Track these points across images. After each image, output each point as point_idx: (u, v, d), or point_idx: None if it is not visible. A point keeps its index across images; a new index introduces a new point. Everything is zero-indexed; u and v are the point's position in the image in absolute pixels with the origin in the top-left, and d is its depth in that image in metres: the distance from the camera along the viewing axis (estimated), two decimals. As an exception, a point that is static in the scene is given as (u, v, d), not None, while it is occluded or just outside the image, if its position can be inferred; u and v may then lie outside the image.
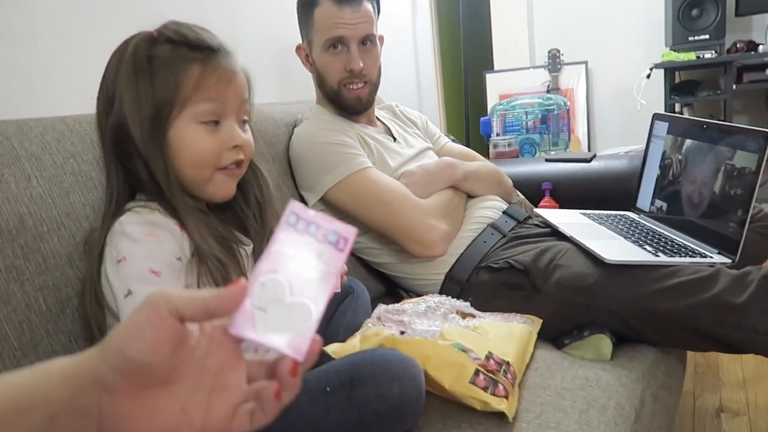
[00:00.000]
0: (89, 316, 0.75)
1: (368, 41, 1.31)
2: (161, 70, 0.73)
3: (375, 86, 1.37)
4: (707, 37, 2.74)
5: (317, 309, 0.41)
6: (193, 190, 0.78)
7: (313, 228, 0.43)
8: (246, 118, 0.81)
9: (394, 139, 1.42)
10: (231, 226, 0.86)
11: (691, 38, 2.76)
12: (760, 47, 2.74)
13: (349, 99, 1.33)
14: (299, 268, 0.41)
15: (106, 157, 0.78)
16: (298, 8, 1.34)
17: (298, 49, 1.38)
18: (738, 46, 2.78)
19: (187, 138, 0.75)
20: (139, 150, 0.74)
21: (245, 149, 0.79)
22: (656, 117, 1.33)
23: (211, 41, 0.76)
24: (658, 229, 1.23)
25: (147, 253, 0.70)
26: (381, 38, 1.35)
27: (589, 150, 3.19)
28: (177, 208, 0.74)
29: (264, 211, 0.86)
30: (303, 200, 1.31)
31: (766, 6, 2.78)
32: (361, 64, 1.29)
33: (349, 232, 0.43)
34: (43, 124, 0.90)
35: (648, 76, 2.88)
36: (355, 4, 1.27)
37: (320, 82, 1.35)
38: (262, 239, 0.85)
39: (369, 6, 1.30)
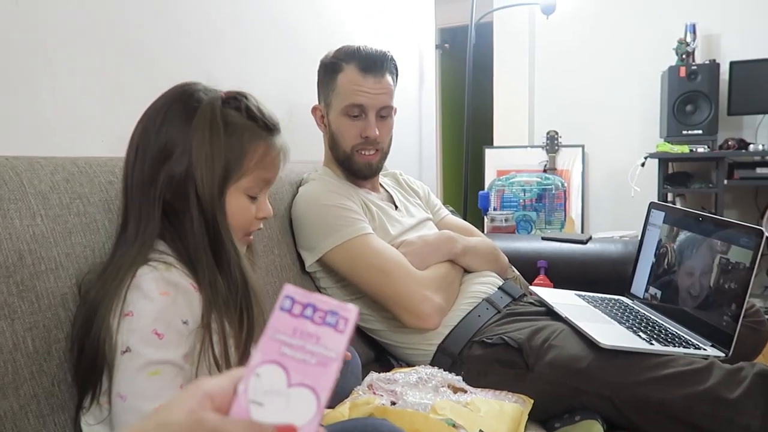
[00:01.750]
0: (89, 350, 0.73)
1: (385, 112, 1.35)
2: (234, 136, 0.77)
3: (385, 155, 1.40)
4: (700, 132, 2.84)
5: (319, 398, 0.37)
6: None
7: (309, 310, 0.41)
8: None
9: (396, 207, 1.44)
10: None
11: (684, 132, 2.86)
12: (751, 146, 2.84)
13: (359, 164, 1.35)
14: (297, 354, 0.39)
15: (143, 204, 0.77)
16: (320, 70, 1.39)
17: (314, 109, 1.42)
18: (729, 143, 2.88)
19: (237, 206, 0.80)
20: (201, 205, 0.76)
21: (269, 217, 0.86)
22: (653, 205, 1.36)
23: (273, 118, 0.82)
24: (652, 317, 1.24)
25: (156, 313, 0.70)
26: (395, 110, 1.39)
27: (582, 231, 3.23)
28: (231, 249, 0.77)
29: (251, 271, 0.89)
30: (300, 259, 1.31)
31: (755, 108, 2.91)
32: (377, 132, 1.32)
33: (350, 311, 0.40)
34: (53, 164, 0.90)
35: (642, 165, 2.97)
36: (379, 75, 1.31)
37: (332, 144, 1.38)
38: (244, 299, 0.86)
39: (390, 79, 1.35)
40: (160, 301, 0.70)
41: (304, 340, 0.39)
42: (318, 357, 0.39)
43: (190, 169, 0.76)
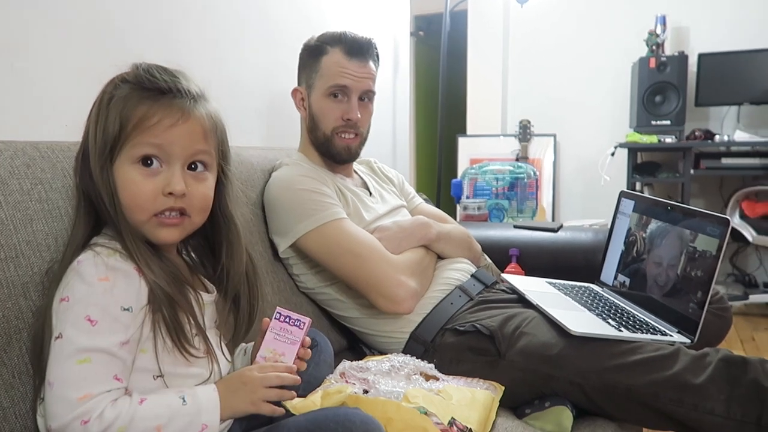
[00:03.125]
0: (41, 346, 0.71)
1: (367, 97, 1.36)
2: (114, 109, 0.72)
3: (364, 140, 1.40)
4: (668, 122, 2.89)
5: (287, 360, 0.80)
6: (138, 231, 0.75)
7: (288, 318, 0.81)
8: (201, 167, 0.77)
9: (370, 193, 1.43)
10: (196, 271, 0.85)
11: (653, 122, 2.91)
12: (716, 137, 2.90)
13: (338, 147, 1.35)
14: (280, 338, 0.81)
15: (76, 187, 0.77)
16: (302, 53, 1.38)
17: (294, 91, 1.40)
18: (696, 134, 2.94)
19: (124, 178, 0.73)
20: (95, 185, 0.73)
21: (189, 198, 0.75)
22: (623, 194, 1.38)
23: (164, 82, 0.73)
24: (621, 304, 1.26)
25: (91, 299, 0.68)
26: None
27: (553, 220, 3.27)
28: (129, 247, 0.71)
29: (231, 261, 0.85)
30: (273, 246, 1.30)
31: (721, 99, 2.97)
32: (359, 115, 1.32)
33: (307, 320, 0.81)
34: (13, 148, 0.87)
35: (612, 154, 3.01)
36: (363, 59, 1.33)
37: (312, 126, 1.36)
38: (229, 289, 0.84)
39: (373, 65, 1.36)
40: (97, 288, 0.68)
41: (284, 332, 0.81)
42: (290, 339, 0.81)
43: (87, 150, 0.74)
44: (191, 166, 0.76)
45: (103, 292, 0.68)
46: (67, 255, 0.73)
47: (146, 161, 0.73)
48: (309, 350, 0.84)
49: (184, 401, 0.70)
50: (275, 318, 0.80)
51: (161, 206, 0.74)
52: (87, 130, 0.75)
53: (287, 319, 0.80)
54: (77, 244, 0.74)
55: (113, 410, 0.66)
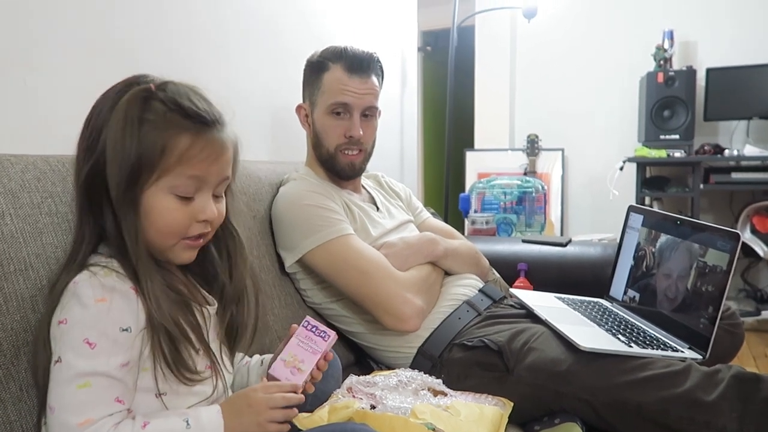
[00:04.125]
0: (37, 364, 0.71)
1: (370, 113, 1.35)
2: (151, 131, 0.70)
3: (368, 155, 1.39)
4: (677, 137, 2.88)
5: (305, 368, 0.80)
6: (154, 253, 0.75)
7: (314, 328, 0.83)
8: (223, 192, 0.79)
9: (378, 208, 1.43)
10: (196, 284, 0.84)
11: (662, 137, 2.90)
12: (726, 151, 2.89)
13: (342, 164, 1.34)
14: (303, 345, 0.82)
15: (79, 196, 0.75)
16: (306, 69, 1.38)
17: (299, 108, 1.40)
18: (705, 148, 2.93)
19: (160, 206, 0.72)
20: (111, 204, 0.71)
21: (214, 222, 0.77)
22: (632, 209, 1.37)
23: (206, 113, 0.73)
24: (630, 319, 1.24)
25: (89, 322, 0.67)
26: (379, 112, 1.39)
27: (561, 234, 3.26)
28: (138, 270, 0.70)
29: (235, 271, 0.85)
30: (280, 260, 1.30)
31: (731, 114, 2.96)
32: (361, 132, 1.32)
33: (332, 333, 0.83)
34: (24, 162, 0.88)
35: (621, 169, 3.00)
36: (365, 75, 1.32)
37: (316, 143, 1.37)
38: (229, 300, 0.83)
39: (376, 80, 1.35)
40: (94, 309, 0.67)
41: (309, 340, 0.82)
42: (312, 348, 0.81)
43: (102, 167, 0.70)
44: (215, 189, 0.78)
45: (100, 314, 0.67)
46: (64, 274, 0.72)
47: (187, 195, 0.74)
48: (326, 363, 0.84)
49: (188, 425, 0.69)
50: (302, 326, 0.82)
51: (194, 232, 0.75)
52: (101, 144, 0.71)
53: (314, 329, 0.81)
54: (78, 262, 0.72)
55: None
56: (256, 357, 0.93)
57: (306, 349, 0.81)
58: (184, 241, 0.75)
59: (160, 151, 0.70)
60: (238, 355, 0.92)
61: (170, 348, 0.71)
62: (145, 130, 0.70)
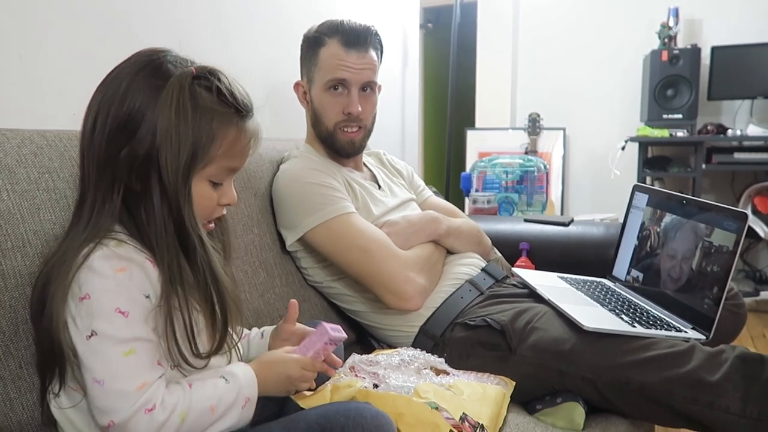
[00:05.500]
0: (45, 338, 0.70)
1: (369, 88, 1.31)
2: (203, 119, 0.70)
3: (368, 132, 1.36)
4: (680, 116, 2.85)
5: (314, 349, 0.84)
6: None
7: (328, 338, 0.85)
8: None
9: (379, 186, 1.42)
10: None
11: (665, 116, 2.87)
12: (729, 131, 2.86)
13: (342, 141, 1.32)
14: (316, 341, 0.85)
15: (100, 181, 0.71)
16: (302, 45, 1.34)
17: (296, 85, 1.38)
18: (708, 128, 2.90)
19: (199, 193, 0.73)
20: (165, 191, 0.70)
21: (233, 203, 0.80)
22: (637, 188, 1.36)
23: (249, 103, 0.75)
24: (634, 299, 1.24)
25: (115, 292, 0.66)
26: (379, 87, 1.36)
27: (562, 214, 3.25)
28: (196, 243, 0.71)
29: (228, 247, 0.85)
30: (281, 238, 1.28)
31: (734, 93, 2.93)
32: (360, 109, 1.29)
33: (339, 329, 0.86)
34: (21, 136, 0.86)
35: (623, 148, 2.98)
36: (362, 49, 1.28)
37: (315, 121, 1.34)
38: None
39: (374, 54, 1.31)
40: (116, 279, 0.67)
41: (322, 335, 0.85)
42: (321, 344, 0.84)
43: (153, 152, 0.69)
44: None
45: (124, 283, 0.67)
46: (71, 251, 0.69)
47: (219, 181, 0.76)
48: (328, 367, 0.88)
49: (227, 380, 0.72)
50: (320, 328, 0.85)
51: (216, 214, 0.79)
52: (148, 126, 0.69)
53: (328, 340, 0.84)
54: (90, 238, 0.69)
55: (171, 397, 0.67)
56: (255, 330, 0.94)
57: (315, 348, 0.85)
58: (207, 224, 0.78)
59: (211, 141, 0.71)
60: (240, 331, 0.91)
61: (192, 335, 0.71)
62: (198, 118, 0.70)
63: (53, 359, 0.70)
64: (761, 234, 2.75)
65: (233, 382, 0.73)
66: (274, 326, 0.93)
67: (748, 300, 2.86)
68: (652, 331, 1.04)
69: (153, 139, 0.69)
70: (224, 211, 0.80)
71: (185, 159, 0.70)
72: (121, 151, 0.70)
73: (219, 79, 0.72)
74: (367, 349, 1.23)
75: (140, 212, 0.71)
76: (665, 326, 1.08)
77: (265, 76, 1.67)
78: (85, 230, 0.71)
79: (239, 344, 0.90)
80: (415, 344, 1.18)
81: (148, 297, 0.68)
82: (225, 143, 0.72)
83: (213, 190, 0.75)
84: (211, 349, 0.73)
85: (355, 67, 1.27)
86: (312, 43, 1.31)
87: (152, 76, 0.71)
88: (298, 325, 0.90)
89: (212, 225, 0.80)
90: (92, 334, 0.65)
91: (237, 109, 0.73)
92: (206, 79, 0.72)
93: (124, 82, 0.71)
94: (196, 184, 0.73)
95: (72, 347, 0.67)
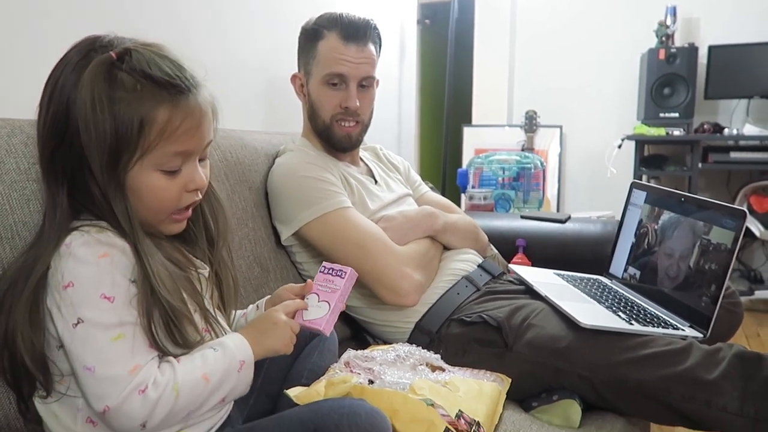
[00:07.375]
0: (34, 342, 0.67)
1: (366, 82, 1.30)
2: (124, 109, 0.65)
3: (365, 127, 1.35)
4: (677, 115, 2.85)
5: (330, 306, 0.83)
6: (144, 227, 0.71)
7: (330, 270, 0.85)
8: (207, 155, 0.76)
9: (376, 181, 1.40)
10: (183, 250, 0.81)
11: (661, 114, 2.86)
12: (725, 130, 2.86)
13: (339, 135, 1.31)
14: (322, 288, 0.84)
15: (47, 171, 0.69)
16: (301, 37, 1.33)
17: (294, 78, 1.36)
18: (705, 127, 2.90)
19: (147, 185, 0.69)
20: (99, 186, 0.67)
21: (203, 189, 0.75)
22: (635, 185, 1.35)
23: (180, 79, 0.68)
24: (631, 297, 1.23)
25: (98, 278, 0.65)
26: (377, 81, 1.35)
27: (557, 211, 3.24)
28: (139, 251, 0.67)
29: (216, 235, 0.82)
30: (276, 232, 1.27)
31: (732, 92, 2.93)
32: (358, 103, 1.27)
33: (348, 269, 0.85)
34: (11, 125, 0.85)
35: (619, 146, 2.97)
36: (361, 43, 1.27)
37: (312, 114, 1.33)
38: (213, 263, 0.81)
39: (373, 48, 1.30)
40: (99, 265, 0.65)
41: (326, 282, 0.84)
42: (331, 288, 0.84)
43: (79, 149, 0.65)
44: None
45: (107, 268, 0.65)
46: (49, 241, 0.67)
47: (175, 169, 0.71)
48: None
49: (215, 349, 0.71)
50: (320, 271, 0.86)
51: (185, 203, 0.73)
52: (73, 120, 0.65)
53: (330, 271, 0.85)
54: (59, 228, 0.68)
55: (162, 375, 0.66)
56: (251, 306, 0.94)
57: (326, 291, 0.84)
58: (176, 215, 0.74)
59: (138, 129, 0.66)
60: (233, 313, 0.90)
61: (173, 325, 0.69)
62: (117, 108, 0.65)
63: (28, 374, 0.68)
64: (756, 233, 2.75)
65: (222, 350, 0.71)
66: (269, 296, 0.91)
67: (742, 299, 2.86)
68: (650, 329, 1.03)
69: (77, 131, 0.65)
70: (197, 197, 0.74)
71: (108, 154, 0.65)
72: (59, 147, 0.67)
73: (141, 59, 0.66)
74: (363, 344, 1.21)
75: (95, 197, 0.68)
76: (662, 324, 1.07)
77: (261, 68, 1.66)
78: (56, 220, 0.68)
79: (240, 321, 0.90)
80: (411, 340, 1.17)
81: (133, 281, 0.67)
82: (156, 128, 0.66)
83: (169, 179, 0.70)
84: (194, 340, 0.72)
85: (354, 61, 1.26)
86: (310, 36, 1.29)
87: (79, 62, 0.67)
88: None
89: (188, 212, 0.76)
90: (78, 322, 0.64)
91: (165, 85, 0.66)
92: (126, 61, 0.66)
93: (61, 74, 0.67)
94: (141, 176, 0.68)
95: (58, 337, 0.66)
